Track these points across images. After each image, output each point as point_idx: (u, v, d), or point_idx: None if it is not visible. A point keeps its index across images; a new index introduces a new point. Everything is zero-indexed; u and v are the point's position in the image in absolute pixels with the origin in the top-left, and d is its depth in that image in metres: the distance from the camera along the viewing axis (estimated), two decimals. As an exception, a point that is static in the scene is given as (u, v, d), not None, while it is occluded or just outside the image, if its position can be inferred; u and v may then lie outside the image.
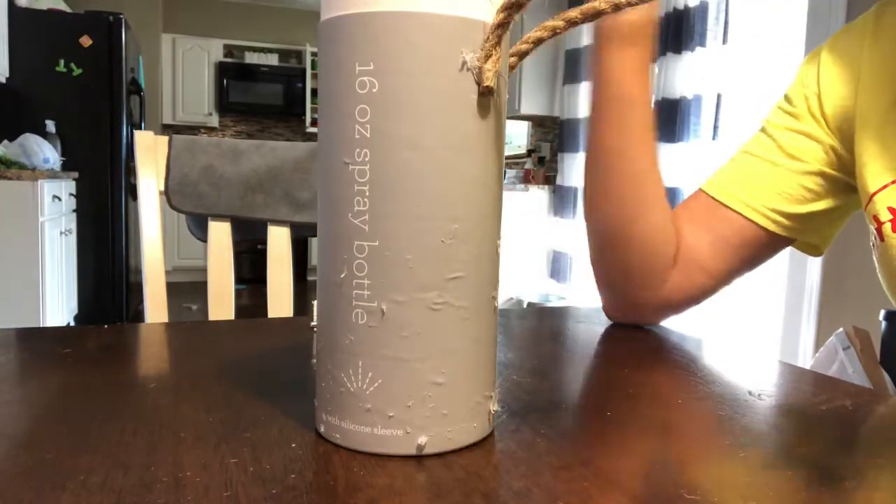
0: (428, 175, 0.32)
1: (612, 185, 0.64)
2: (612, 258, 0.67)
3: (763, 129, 0.70)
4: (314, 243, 5.63)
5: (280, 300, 0.96)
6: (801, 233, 0.68)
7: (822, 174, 0.66)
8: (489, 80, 0.32)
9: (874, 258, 0.66)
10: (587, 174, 0.66)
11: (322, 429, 0.35)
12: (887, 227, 0.61)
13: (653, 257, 0.65)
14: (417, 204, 0.32)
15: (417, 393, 0.33)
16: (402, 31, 0.31)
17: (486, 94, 0.33)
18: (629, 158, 0.63)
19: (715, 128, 2.80)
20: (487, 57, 0.32)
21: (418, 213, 0.32)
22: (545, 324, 0.70)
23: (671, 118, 2.94)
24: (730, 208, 0.66)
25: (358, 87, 0.32)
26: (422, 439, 0.33)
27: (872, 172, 0.62)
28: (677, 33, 2.91)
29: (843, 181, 0.66)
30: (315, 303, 0.47)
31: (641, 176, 0.64)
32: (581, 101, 3.73)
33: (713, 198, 0.68)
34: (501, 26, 0.32)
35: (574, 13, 0.33)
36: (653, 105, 0.67)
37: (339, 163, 0.33)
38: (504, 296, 3.78)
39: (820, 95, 0.66)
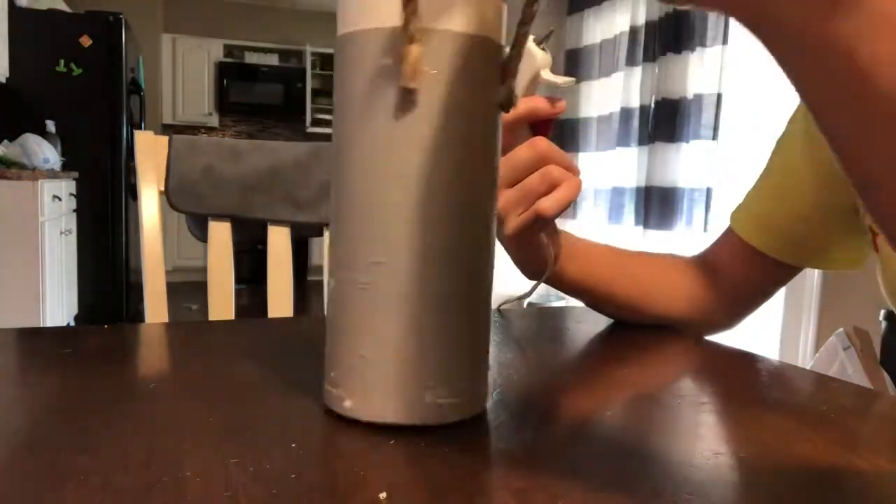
0: (349, 171, 0.37)
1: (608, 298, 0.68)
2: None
3: (776, 151, 0.70)
4: (314, 243, 5.62)
5: (280, 300, 0.96)
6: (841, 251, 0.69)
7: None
8: (405, 82, 0.34)
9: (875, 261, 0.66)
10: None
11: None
12: (882, 239, 0.61)
13: (691, 315, 0.69)
14: (344, 194, 0.37)
15: (346, 360, 0.38)
16: (342, 50, 0.37)
17: (406, 95, 0.35)
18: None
19: (715, 128, 2.80)
20: (404, 58, 0.34)
21: (347, 202, 0.37)
22: (545, 324, 0.70)
23: (671, 118, 2.94)
24: (766, 255, 0.68)
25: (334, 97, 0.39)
26: (348, 403, 0.37)
27: None
28: (677, 33, 2.91)
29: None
30: None
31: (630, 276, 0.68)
32: (581, 101, 3.72)
33: (747, 242, 0.69)
34: (408, 28, 0.34)
35: None
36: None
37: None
38: (504, 296, 3.77)
39: None
